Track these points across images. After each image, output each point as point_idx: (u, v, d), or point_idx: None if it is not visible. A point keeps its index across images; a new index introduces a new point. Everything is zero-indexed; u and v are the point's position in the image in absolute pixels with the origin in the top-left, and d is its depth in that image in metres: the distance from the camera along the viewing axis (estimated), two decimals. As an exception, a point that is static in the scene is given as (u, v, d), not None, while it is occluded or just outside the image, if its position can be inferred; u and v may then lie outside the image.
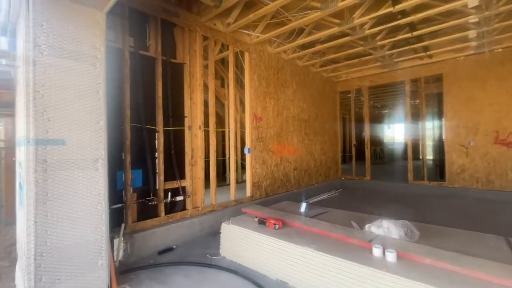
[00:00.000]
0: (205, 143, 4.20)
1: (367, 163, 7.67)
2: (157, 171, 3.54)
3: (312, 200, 5.95)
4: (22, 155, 2.17)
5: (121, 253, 3.00)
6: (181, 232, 3.57)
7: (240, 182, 6.95)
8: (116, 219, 3.10)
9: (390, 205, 5.54)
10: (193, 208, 3.90)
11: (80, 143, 2.21)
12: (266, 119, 5.25)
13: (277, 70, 5.61)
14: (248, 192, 4.85)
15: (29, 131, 1.97)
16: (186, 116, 3.91)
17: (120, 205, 3.14)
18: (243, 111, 5.39)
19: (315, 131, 6.82)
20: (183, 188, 3.83)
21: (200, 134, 4.03)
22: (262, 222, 2.98)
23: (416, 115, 8.05)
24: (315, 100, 6.86)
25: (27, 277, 1.93)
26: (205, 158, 4.18)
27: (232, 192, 4.55)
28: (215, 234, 3.53)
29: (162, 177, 3.54)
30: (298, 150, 6.16)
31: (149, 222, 3.37)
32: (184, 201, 3.81)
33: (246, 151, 4.85)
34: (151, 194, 3.45)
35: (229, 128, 4.63)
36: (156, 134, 3.55)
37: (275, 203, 4.96)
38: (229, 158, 7.56)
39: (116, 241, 2.94)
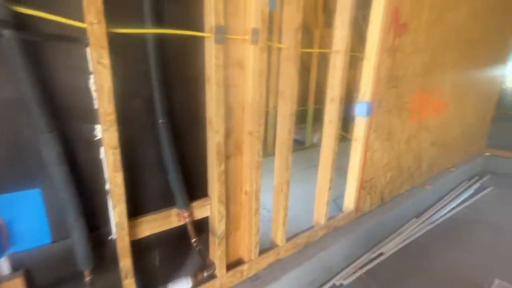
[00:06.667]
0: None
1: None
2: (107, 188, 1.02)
3: (445, 205, 3.05)
4: None
5: None
6: None
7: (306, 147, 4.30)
8: None
9: None
10: (227, 270, 1.45)
11: None
12: (415, 29, 2.11)
13: None
14: (351, 202, 2.18)
15: None
16: (206, -9, 1.09)
17: None
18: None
19: (478, 65, 3.37)
20: (198, 224, 1.33)
21: (254, 57, 1.25)
22: None
23: None
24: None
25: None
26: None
27: (319, 205, 1.95)
28: None
29: (121, 207, 1.04)
30: (445, 106, 3.00)
31: None
32: (203, 255, 1.36)
33: (359, 110, 1.97)
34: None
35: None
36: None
37: (396, 219, 2.26)
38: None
39: None
